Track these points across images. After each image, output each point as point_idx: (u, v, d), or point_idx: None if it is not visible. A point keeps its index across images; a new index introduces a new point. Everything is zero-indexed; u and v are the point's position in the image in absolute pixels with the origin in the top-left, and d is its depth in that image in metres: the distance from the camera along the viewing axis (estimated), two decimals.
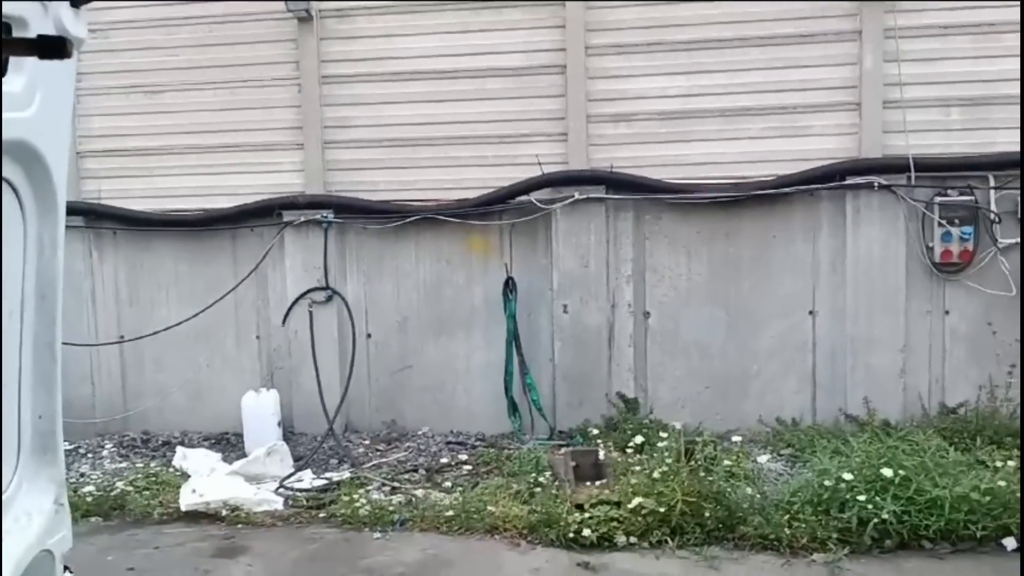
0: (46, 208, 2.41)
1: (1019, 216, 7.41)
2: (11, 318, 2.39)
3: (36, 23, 2.16)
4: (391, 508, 6.58)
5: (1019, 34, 7.13)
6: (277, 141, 8.38)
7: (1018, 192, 7.37)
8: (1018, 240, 7.43)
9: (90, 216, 8.41)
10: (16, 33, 2.16)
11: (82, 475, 7.57)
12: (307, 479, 7.30)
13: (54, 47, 1.52)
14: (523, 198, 7.93)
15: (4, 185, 2.26)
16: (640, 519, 5.92)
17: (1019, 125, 7.02)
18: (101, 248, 8.63)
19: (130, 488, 7.10)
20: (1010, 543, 5.64)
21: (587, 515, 6.03)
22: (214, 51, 8.39)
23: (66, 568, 2.61)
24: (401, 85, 8.13)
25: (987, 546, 5.66)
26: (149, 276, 8.64)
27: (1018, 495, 5.77)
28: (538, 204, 7.89)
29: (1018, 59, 7.25)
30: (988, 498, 5.70)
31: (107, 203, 8.39)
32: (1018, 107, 7.29)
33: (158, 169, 8.51)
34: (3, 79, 2.15)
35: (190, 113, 8.44)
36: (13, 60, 2.17)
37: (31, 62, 2.21)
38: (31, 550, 2.37)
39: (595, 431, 7.69)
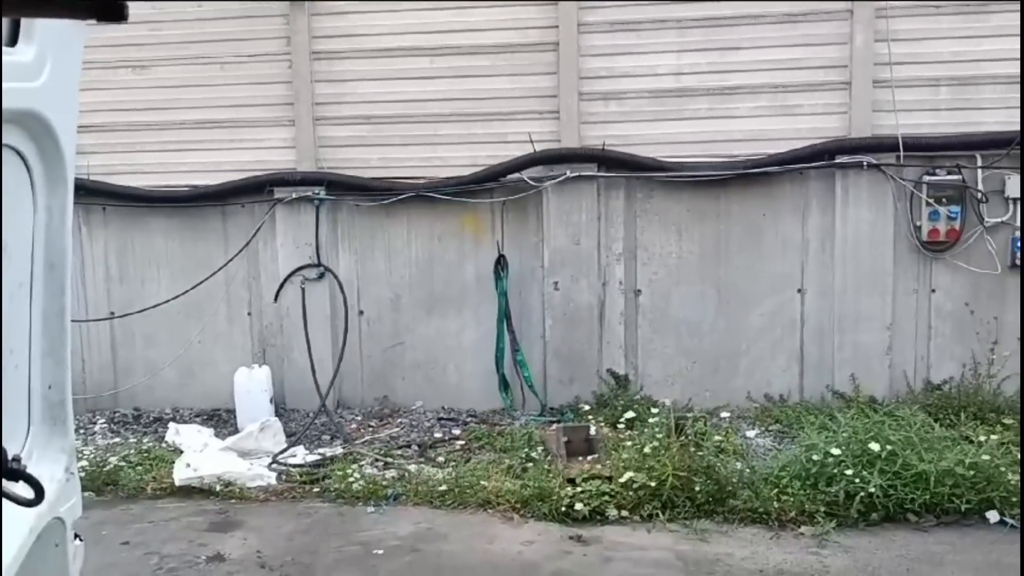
0: (55, 178, 2.42)
1: (1005, 195, 7.49)
2: (21, 288, 2.41)
3: None
4: (384, 483, 6.64)
5: (1010, 14, 7.17)
6: (268, 117, 8.34)
7: (1004, 171, 7.45)
8: (1003, 219, 7.52)
9: (79, 192, 8.22)
10: None
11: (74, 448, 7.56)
12: (300, 455, 7.34)
13: (111, 9, 1.53)
14: (515, 176, 7.95)
15: (15, 155, 2.26)
16: (631, 493, 6.01)
17: (1012, 105, 7.07)
18: (90, 224, 8.58)
19: (123, 463, 7.12)
20: (993, 516, 5.76)
21: (579, 489, 6.11)
22: (203, 25, 8.32)
23: (76, 536, 2.64)
24: (393, 62, 8.10)
25: (971, 519, 5.79)
26: (139, 252, 8.61)
27: (1001, 469, 5.89)
28: (530, 182, 7.91)
29: (1006, 39, 7.31)
30: (972, 472, 5.81)
31: (96, 179, 8.33)
32: (1006, 87, 7.36)
33: (147, 145, 8.46)
34: (14, 49, 2.16)
35: (179, 88, 8.37)
36: (24, 30, 2.17)
37: (40, 32, 2.22)
38: (43, 518, 2.39)
39: (586, 407, 7.78)
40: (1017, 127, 7.19)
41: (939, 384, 7.69)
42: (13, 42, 2.15)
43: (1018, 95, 7.23)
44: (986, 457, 5.95)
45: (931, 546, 5.56)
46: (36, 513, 2.33)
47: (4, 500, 2.06)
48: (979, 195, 7.52)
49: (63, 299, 2.53)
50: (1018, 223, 7.51)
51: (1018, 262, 7.47)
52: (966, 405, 7.23)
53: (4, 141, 2.20)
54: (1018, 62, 7.18)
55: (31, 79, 2.20)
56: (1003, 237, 7.55)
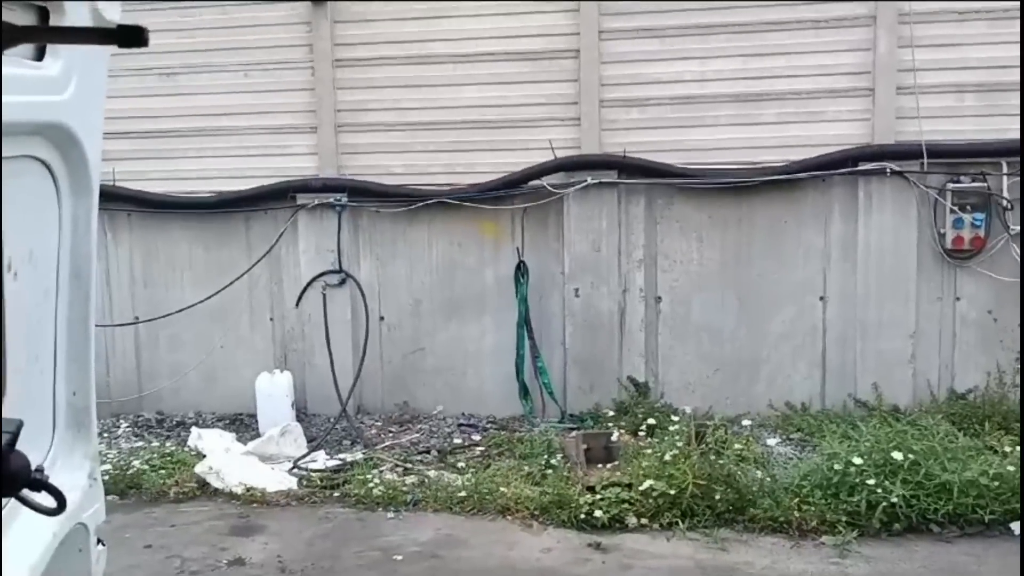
0: (81, 189, 2.46)
1: (1022, 204, 7.41)
2: (46, 296, 2.45)
3: (73, 10, 2.20)
4: (404, 488, 6.66)
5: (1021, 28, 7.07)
6: (291, 124, 8.41)
7: None
8: None
9: (104, 198, 8.29)
10: (53, 20, 2.20)
11: (98, 454, 7.65)
12: (321, 459, 7.38)
13: (133, 36, 1.56)
14: (535, 182, 7.96)
15: (41, 167, 2.31)
16: (651, 501, 5.99)
17: (1020, 116, 6.99)
18: (116, 230, 8.69)
19: (146, 467, 7.19)
20: (1017, 527, 5.69)
21: (598, 497, 6.11)
22: (228, 33, 8.41)
23: (99, 541, 2.68)
24: (415, 69, 8.15)
25: (995, 530, 5.73)
26: (163, 258, 8.71)
27: None
28: (550, 188, 7.91)
29: None
30: (996, 483, 5.76)
31: (121, 185, 8.41)
32: None
33: (172, 151, 8.54)
34: (41, 63, 2.20)
35: (204, 95, 8.46)
36: (51, 45, 2.21)
37: (67, 47, 2.26)
38: (67, 524, 2.43)
39: (608, 414, 7.77)
40: None
41: (963, 393, 7.60)
42: (40, 56, 2.19)
43: None
44: (1011, 468, 5.90)
45: (955, 557, 5.50)
46: (60, 519, 2.37)
47: (27, 508, 2.09)
48: (1004, 202, 7.44)
49: (88, 306, 2.57)
50: None
51: None
52: (991, 415, 7.14)
53: (32, 153, 2.24)
54: None
55: (58, 92, 2.24)
56: None
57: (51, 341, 2.50)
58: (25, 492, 2.04)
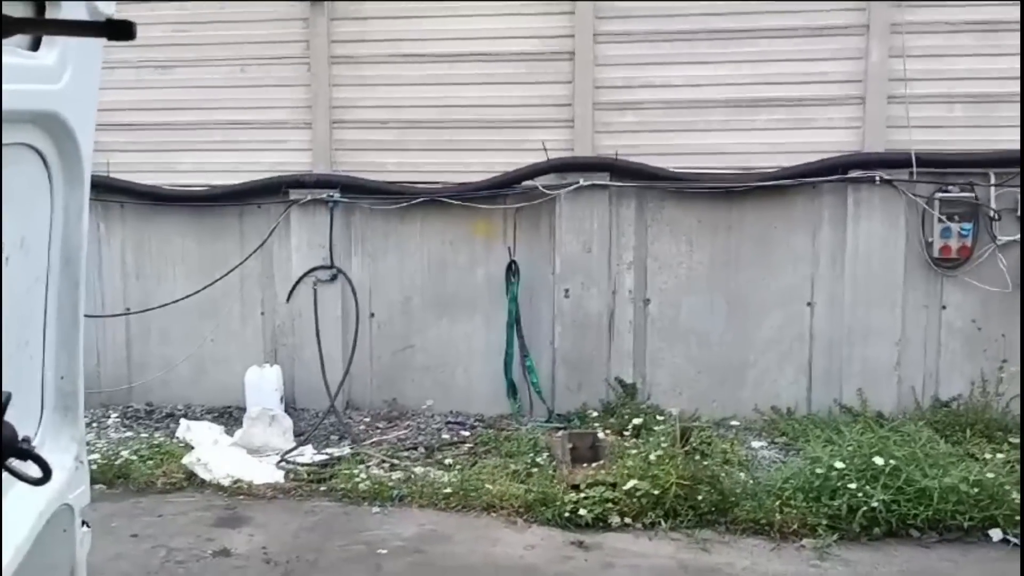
0: (73, 177, 2.50)
1: (1018, 214, 7.48)
2: (37, 283, 2.49)
3: (70, 6, 2.25)
4: (390, 484, 6.70)
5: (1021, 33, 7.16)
6: (285, 120, 8.45)
7: (1018, 190, 7.44)
8: (1016, 237, 7.51)
9: (98, 189, 8.41)
10: (49, 12, 2.25)
11: (87, 443, 7.66)
12: (308, 454, 7.42)
13: (122, 29, 1.60)
14: (528, 183, 8.01)
15: (35, 155, 2.35)
16: (635, 501, 6.05)
17: (1020, 123, 7.07)
18: (108, 221, 8.70)
19: (134, 457, 7.21)
20: (996, 534, 5.76)
21: (583, 495, 6.16)
22: (225, 28, 8.44)
23: (84, 523, 2.73)
24: (410, 67, 8.19)
25: (974, 536, 5.79)
26: (156, 250, 8.72)
27: (1006, 487, 5.89)
28: (543, 189, 7.96)
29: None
30: (976, 490, 5.82)
31: (115, 176, 8.44)
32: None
33: (166, 144, 8.55)
34: (36, 53, 2.24)
35: (200, 89, 8.48)
36: (46, 35, 2.25)
37: (62, 37, 2.30)
38: (53, 503, 2.48)
39: (593, 414, 7.82)
40: None
41: (947, 401, 7.68)
42: (36, 46, 2.23)
43: None
44: (991, 475, 5.96)
45: (933, 562, 5.56)
46: (46, 499, 2.41)
47: (17, 483, 2.14)
48: (992, 213, 7.52)
49: (77, 294, 2.61)
50: None
51: None
52: (974, 423, 7.22)
53: (26, 141, 2.28)
54: None
55: (52, 82, 2.28)
56: (1015, 255, 7.52)
57: (40, 326, 2.54)
58: (12, 461, 2.09)
